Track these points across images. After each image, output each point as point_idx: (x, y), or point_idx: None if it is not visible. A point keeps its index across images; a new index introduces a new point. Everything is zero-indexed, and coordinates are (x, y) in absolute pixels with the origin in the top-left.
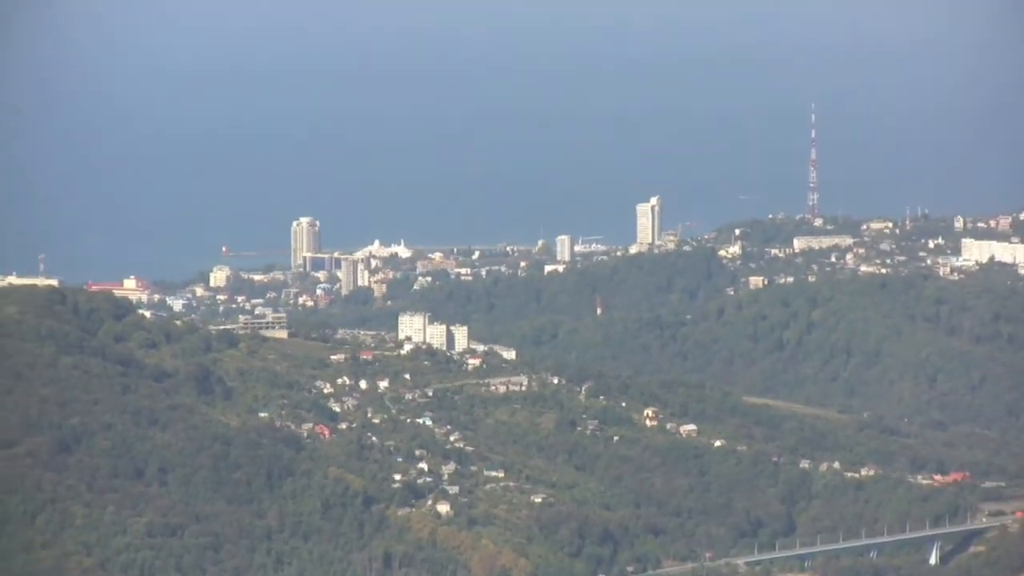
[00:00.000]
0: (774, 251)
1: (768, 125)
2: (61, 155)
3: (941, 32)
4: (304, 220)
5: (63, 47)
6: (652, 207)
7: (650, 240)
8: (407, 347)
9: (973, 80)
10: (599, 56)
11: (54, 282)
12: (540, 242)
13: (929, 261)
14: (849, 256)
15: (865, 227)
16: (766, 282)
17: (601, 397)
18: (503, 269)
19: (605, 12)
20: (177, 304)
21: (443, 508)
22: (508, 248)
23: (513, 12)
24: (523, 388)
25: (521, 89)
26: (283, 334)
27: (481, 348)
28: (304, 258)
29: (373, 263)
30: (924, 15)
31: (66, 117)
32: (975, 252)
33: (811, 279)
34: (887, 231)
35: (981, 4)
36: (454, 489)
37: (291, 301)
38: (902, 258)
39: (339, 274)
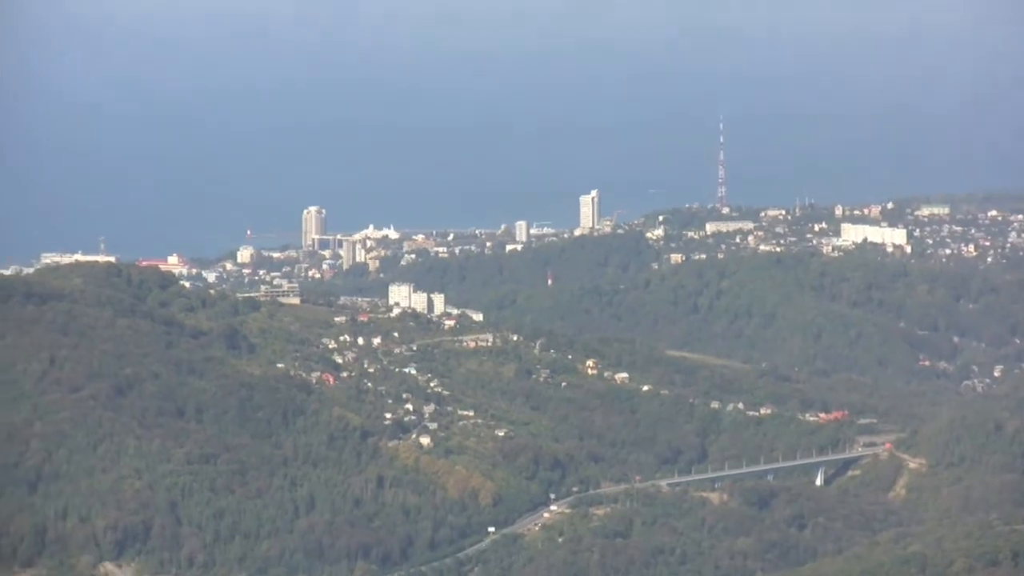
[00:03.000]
0: (690, 234)
1: (685, 132)
2: (120, 154)
3: (833, 55)
4: (313, 208)
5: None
6: (592, 198)
7: (591, 225)
8: (396, 311)
9: (850, 93)
10: (555, 77)
11: (112, 259)
12: (502, 226)
13: (815, 242)
14: (750, 237)
15: (763, 214)
16: (684, 258)
17: (552, 351)
18: (473, 248)
19: (570, 39)
20: (211, 276)
21: (424, 440)
22: (477, 231)
23: (479, 37)
24: (489, 344)
25: (488, 104)
26: (296, 301)
27: (455, 312)
28: (313, 239)
29: (368, 243)
30: (816, 44)
31: (123, 122)
32: (852, 234)
33: (720, 256)
34: (781, 217)
35: (866, 25)
36: (433, 425)
37: (302, 274)
38: (793, 239)
39: (341, 252)
